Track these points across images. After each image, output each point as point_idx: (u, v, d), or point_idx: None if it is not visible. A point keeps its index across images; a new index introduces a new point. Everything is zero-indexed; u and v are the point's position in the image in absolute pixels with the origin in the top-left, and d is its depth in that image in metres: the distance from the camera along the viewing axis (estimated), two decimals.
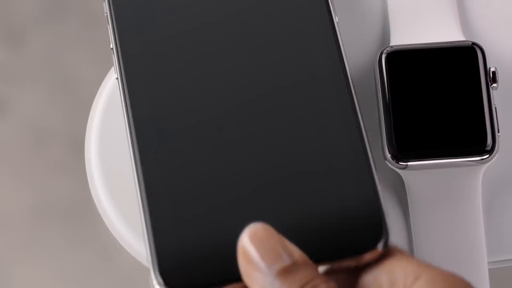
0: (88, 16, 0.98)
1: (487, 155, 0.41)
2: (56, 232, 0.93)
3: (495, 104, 0.42)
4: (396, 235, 0.43)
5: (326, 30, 0.42)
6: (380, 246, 0.36)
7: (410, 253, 0.43)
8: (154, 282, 0.36)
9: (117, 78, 0.41)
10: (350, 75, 0.41)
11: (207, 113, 0.41)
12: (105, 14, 0.42)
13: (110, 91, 0.46)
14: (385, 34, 0.45)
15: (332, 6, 0.43)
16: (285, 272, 0.33)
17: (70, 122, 0.95)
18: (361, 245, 0.36)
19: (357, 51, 0.45)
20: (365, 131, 0.40)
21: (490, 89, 0.42)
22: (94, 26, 0.98)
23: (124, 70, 0.41)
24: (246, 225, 0.35)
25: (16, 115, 0.95)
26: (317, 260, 0.35)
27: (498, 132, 0.42)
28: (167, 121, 0.40)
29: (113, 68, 0.42)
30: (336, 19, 0.43)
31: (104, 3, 0.42)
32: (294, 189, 0.38)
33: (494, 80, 0.42)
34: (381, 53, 0.43)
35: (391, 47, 0.43)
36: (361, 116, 0.40)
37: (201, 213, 0.38)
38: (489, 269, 0.43)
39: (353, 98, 0.40)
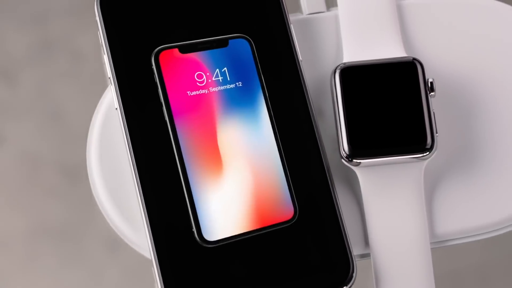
0: (74, 53, 0.98)
1: (427, 153, 0.43)
2: (50, 252, 0.92)
3: (433, 110, 0.44)
4: (352, 224, 0.45)
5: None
6: None
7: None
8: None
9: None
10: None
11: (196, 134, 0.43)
12: (101, 43, 0.42)
13: (109, 102, 0.46)
14: (339, 51, 0.47)
15: (297, 50, 0.45)
16: None
17: (60, 151, 0.94)
18: None
19: (317, 66, 0.47)
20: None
21: (429, 97, 0.44)
22: (80, 63, 0.97)
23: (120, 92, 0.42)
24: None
25: (11, 146, 0.95)
26: None
27: (436, 133, 0.44)
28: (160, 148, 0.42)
29: (109, 86, 0.44)
30: (300, 58, 0.45)
31: (99, 34, 0.43)
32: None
33: (432, 89, 0.44)
34: (335, 69, 0.44)
35: (344, 63, 0.44)
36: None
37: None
38: (431, 248, 0.45)
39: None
